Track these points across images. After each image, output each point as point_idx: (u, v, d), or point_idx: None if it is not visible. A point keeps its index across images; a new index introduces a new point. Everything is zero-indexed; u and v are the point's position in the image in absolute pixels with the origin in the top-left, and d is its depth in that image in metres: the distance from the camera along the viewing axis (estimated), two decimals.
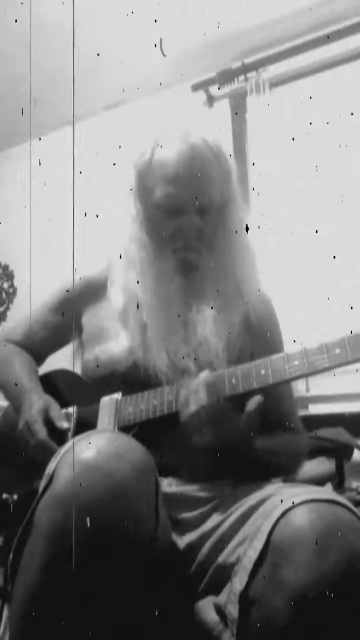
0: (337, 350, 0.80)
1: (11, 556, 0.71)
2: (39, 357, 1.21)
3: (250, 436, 0.88)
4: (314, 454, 1.76)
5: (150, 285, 1.02)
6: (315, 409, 2.15)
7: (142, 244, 1.05)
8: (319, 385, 2.18)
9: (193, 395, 0.87)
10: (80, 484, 0.66)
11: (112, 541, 0.65)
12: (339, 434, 1.82)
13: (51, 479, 0.68)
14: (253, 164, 2.50)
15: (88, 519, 0.64)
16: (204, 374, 0.89)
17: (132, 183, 1.06)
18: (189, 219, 1.00)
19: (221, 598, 0.72)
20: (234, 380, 0.87)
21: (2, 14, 2.35)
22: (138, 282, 1.04)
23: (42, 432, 0.96)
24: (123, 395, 0.99)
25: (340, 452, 1.80)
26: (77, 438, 0.72)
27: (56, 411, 1.00)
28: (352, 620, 0.61)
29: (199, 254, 1.03)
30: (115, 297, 1.07)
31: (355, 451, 1.83)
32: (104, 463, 0.67)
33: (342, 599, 0.60)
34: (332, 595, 0.60)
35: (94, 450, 0.68)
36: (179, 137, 1.00)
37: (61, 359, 1.23)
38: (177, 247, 1.02)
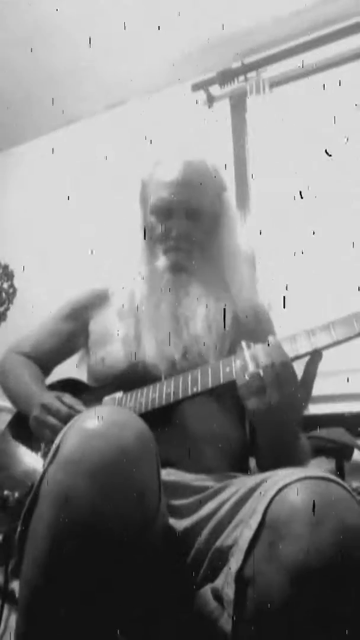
0: (322, 333, 0.87)
1: (19, 528, 0.72)
2: (46, 368, 1.26)
3: (304, 403, 0.93)
4: (314, 454, 1.76)
5: (144, 281, 1.12)
6: (315, 409, 2.15)
7: (140, 247, 1.16)
8: (319, 385, 2.18)
9: (247, 359, 0.87)
10: (86, 449, 0.67)
11: (117, 506, 0.66)
12: (339, 434, 1.82)
13: (57, 449, 0.70)
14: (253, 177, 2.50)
15: (93, 482, 0.65)
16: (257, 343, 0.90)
17: (138, 193, 1.18)
18: (178, 222, 1.11)
19: (218, 582, 0.73)
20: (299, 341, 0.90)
21: (3, 13, 2.36)
22: (135, 279, 1.13)
23: (64, 408, 1.00)
24: (125, 394, 1.03)
25: (340, 452, 1.80)
26: (81, 413, 0.75)
27: (70, 399, 1.04)
28: (346, 591, 0.61)
29: (188, 255, 1.12)
30: (117, 297, 1.15)
31: (355, 451, 1.83)
32: (108, 430, 0.69)
33: (336, 571, 0.61)
34: (327, 567, 0.61)
35: (98, 419, 0.71)
36: (179, 151, 1.13)
37: (67, 369, 1.26)
38: (168, 248, 1.13)
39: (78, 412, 0.99)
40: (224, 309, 1.09)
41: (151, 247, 1.15)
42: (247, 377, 0.85)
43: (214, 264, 1.15)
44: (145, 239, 1.16)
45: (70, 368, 1.28)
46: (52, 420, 1.00)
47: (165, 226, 1.12)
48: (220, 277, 1.15)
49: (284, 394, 0.85)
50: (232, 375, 0.89)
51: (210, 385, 0.92)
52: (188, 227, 1.11)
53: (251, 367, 0.86)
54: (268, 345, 0.88)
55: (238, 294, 1.14)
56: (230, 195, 1.21)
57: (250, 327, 1.11)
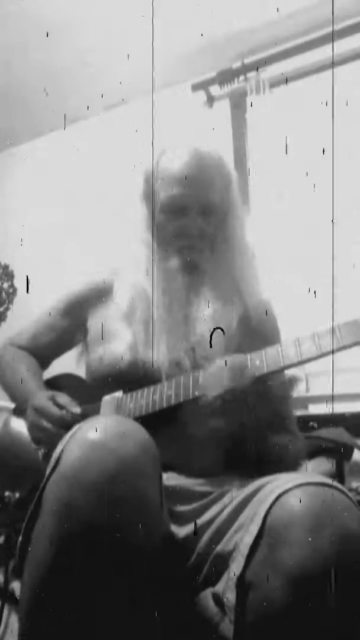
0: (327, 339, 0.83)
1: (20, 538, 0.71)
2: (44, 361, 1.24)
3: (266, 422, 0.89)
4: (314, 454, 1.76)
5: (156, 282, 1.07)
6: (315, 409, 2.15)
7: (148, 245, 1.11)
8: (319, 385, 2.18)
9: (214, 378, 0.87)
10: (88, 461, 0.67)
11: (119, 517, 0.66)
12: (339, 434, 1.82)
13: (58, 459, 0.69)
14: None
15: (95, 493, 0.65)
16: (226, 358, 0.89)
17: (141, 187, 1.12)
18: (191, 220, 1.06)
19: (219, 587, 0.73)
20: (257, 362, 0.88)
21: (2, 13, 2.35)
22: (143, 277, 1.08)
23: (56, 410, 0.99)
24: (124, 393, 1.01)
25: (340, 452, 1.80)
26: (82, 422, 0.74)
27: (64, 398, 1.03)
28: (346, 596, 0.62)
29: (201, 254, 1.08)
30: (122, 296, 1.11)
31: (355, 451, 1.83)
32: (109, 441, 0.69)
33: (336, 574, 0.61)
34: (327, 573, 0.61)
35: (100, 430, 0.70)
36: (184, 145, 1.07)
37: (66, 363, 1.24)
38: (181, 247, 1.08)
39: (71, 412, 0.99)
40: (232, 310, 1.06)
41: (159, 245, 1.10)
42: (209, 398, 0.86)
43: (223, 260, 1.11)
44: (152, 236, 1.11)
45: (71, 363, 1.25)
46: (45, 423, 0.99)
47: (178, 224, 1.07)
48: (230, 273, 1.11)
49: (244, 416, 0.86)
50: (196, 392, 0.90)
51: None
52: (201, 224, 1.07)
53: (216, 387, 0.86)
54: (232, 365, 0.87)
55: (247, 291, 1.11)
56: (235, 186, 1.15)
57: (256, 324, 1.09)
